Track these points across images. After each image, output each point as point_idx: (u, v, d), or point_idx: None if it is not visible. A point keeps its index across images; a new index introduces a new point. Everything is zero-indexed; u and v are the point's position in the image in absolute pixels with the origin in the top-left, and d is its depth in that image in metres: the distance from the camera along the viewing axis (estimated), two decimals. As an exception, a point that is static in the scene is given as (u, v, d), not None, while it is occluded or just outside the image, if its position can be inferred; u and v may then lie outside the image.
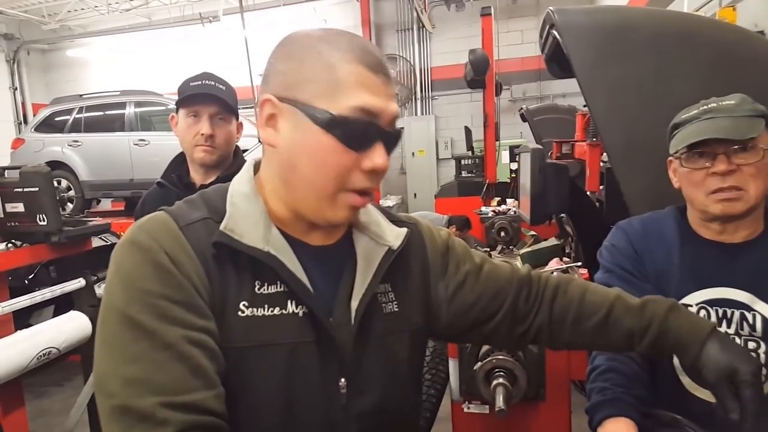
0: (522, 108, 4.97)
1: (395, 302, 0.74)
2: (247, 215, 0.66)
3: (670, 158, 1.07)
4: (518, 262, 2.29)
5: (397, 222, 0.79)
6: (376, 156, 0.63)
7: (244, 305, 0.63)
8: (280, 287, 0.65)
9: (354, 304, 0.69)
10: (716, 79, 1.18)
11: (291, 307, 0.65)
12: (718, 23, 1.41)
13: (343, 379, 0.67)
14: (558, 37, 1.29)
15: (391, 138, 0.66)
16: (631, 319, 0.79)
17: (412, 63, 9.07)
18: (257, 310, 0.64)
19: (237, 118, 1.55)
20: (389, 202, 8.08)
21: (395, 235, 0.75)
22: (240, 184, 0.70)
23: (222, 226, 0.64)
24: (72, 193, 5.92)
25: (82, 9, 9.42)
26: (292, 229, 0.69)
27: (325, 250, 0.71)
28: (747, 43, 1.23)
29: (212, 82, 1.46)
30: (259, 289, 0.65)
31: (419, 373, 0.81)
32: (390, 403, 0.71)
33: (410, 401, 0.78)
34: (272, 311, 0.64)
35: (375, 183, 0.66)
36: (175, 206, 0.68)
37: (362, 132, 0.63)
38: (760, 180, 0.96)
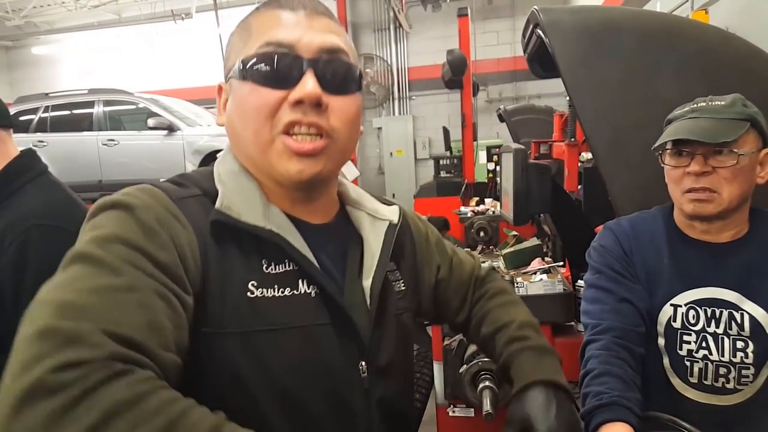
0: (500, 108, 5.00)
1: (401, 281, 0.74)
2: (240, 192, 0.61)
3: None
4: (501, 263, 2.29)
5: (384, 201, 0.78)
6: (299, 87, 0.58)
7: (253, 285, 0.58)
8: (290, 266, 0.60)
9: (366, 283, 0.65)
10: (699, 79, 1.19)
11: (303, 287, 0.60)
12: (699, 24, 1.43)
13: (363, 363, 0.63)
14: (543, 36, 1.28)
15: (326, 67, 0.60)
16: (499, 347, 0.78)
17: (389, 63, 9.06)
18: (267, 291, 0.58)
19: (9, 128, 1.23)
20: (368, 202, 8.05)
21: (390, 211, 0.73)
22: (224, 163, 0.65)
23: (217, 205, 0.58)
24: (37, 195, 5.68)
25: (48, 5, 9.10)
26: (288, 208, 0.64)
27: (324, 228, 0.68)
28: (728, 44, 1.24)
29: None
30: (267, 269, 0.59)
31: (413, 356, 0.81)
32: (405, 386, 0.71)
33: (413, 385, 0.78)
34: (283, 292, 0.59)
35: (314, 116, 0.59)
36: (160, 183, 0.61)
37: (278, 66, 0.58)
38: (736, 184, 0.96)
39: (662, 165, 1.04)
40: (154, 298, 0.49)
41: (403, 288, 0.73)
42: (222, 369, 0.55)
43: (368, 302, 0.65)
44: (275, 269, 0.60)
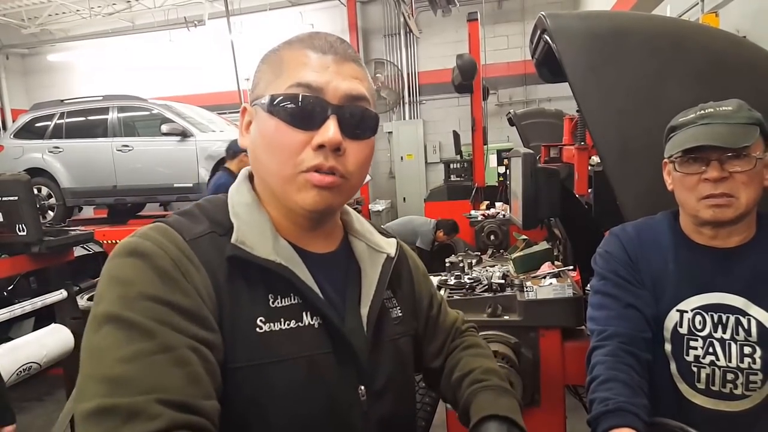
0: (510, 112, 4.99)
1: (398, 307, 0.78)
2: (253, 226, 0.65)
3: (665, 161, 1.07)
4: (510, 267, 2.28)
5: (382, 233, 0.82)
6: (323, 131, 0.62)
7: (261, 321, 0.62)
8: (294, 299, 0.65)
9: (364, 310, 0.69)
10: (708, 84, 1.19)
11: (306, 319, 0.65)
12: (709, 29, 1.42)
13: (362, 386, 0.67)
14: (550, 42, 1.28)
15: (349, 114, 0.64)
16: (460, 390, 0.80)
17: (399, 68, 9.08)
18: (275, 325, 0.62)
19: None
20: (378, 206, 8.06)
21: (388, 244, 0.78)
22: (240, 194, 0.69)
23: (233, 239, 0.62)
24: (53, 200, 5.78)
25: (64, 13, 9.27)
26: (294, 238, 0.68)
27: (327, 258, 0.71)
28: (738, 49, 1.23)
29: None
30: (273, 303, 0.63)
31: (414, 378, 0.84)
32: (403, 407, 0.74)
33: (414, 405, 0.81)
34: (289, 324, 0.63)
35: (334, 161, 0.63)
36: (174, 219, 0.65)
37: (304, 108, 0.62)
38: (752, 188, 0.96)
39: (673, 172, 1.03)
40: (188, 353, 0.54)
41: (400, 314, 0.77)
42: (240, 398, 0.59)
43: (365, 329, 0.69)
44: (281, 302, 0.64)
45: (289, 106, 0.62)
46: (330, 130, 0.61)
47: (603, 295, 1.08)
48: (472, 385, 0.79)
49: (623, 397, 0.89)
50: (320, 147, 0.62)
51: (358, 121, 0.65)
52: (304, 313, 0.64)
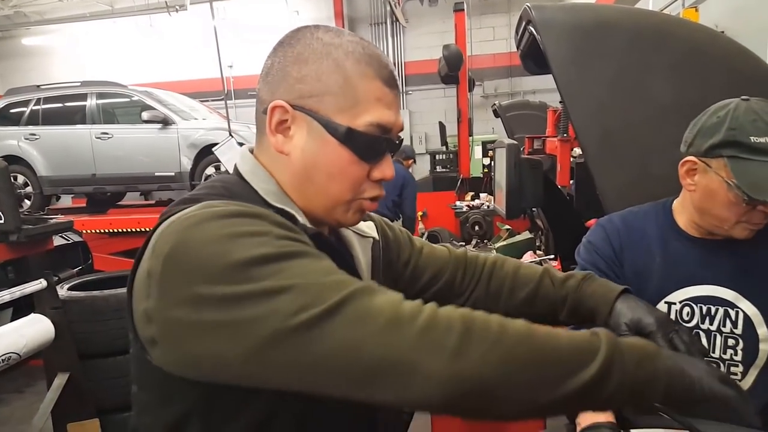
0: (495, 104, 5.02)
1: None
2: (296, 213, 0.66)
3: (698, 163, 0.95)
4: (493, 257, 2.31)
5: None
6: (386, 167, 0.67)
7: None
8: None
9: None
10: (688, 77, 1.21)
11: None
12: (689, 23, 1.45)
13: None
14: (535, 33, 1.29)
15: (396, 148, 0.70)
16: (554, 291, 0.85)
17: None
18: None
19: None
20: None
21: (369, 228, 0.81)
22: (267, 184, 0.66)
23: (302, 220, 0.64)
24: (29, 189, 5.64)
25: (39, -6, 8.99)
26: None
27: (329, 241, 0.73)
28: (716, 43, 1.26)
29: None
30: None
31: None
32: None
33: None
34: None
35: (382, 190, 0.70)
36: (226, 203, 0.59)
37: (377, 146, 0.66)
38: None
39: (718, 188, 0.91)
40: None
41: None
42: None
43: None
44: None
45: (367, 144, 0.64)
46: (390, 168, 0.67)
47: None
48: (565, 282, 0.84)
49: None
50: (379, 180, 0.67)
51: (396, 150, 0.70)
52: None
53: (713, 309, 1.01)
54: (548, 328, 0.53)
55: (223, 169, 4.57)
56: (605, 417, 0.90)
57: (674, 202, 1.08)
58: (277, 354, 0.48)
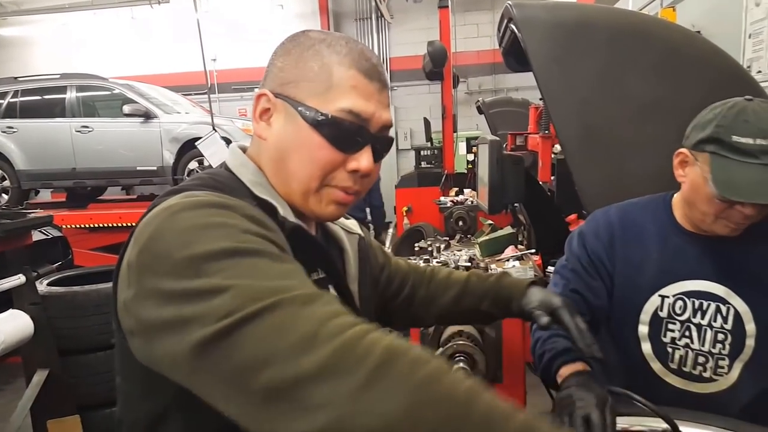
0: (479, 100, 5.05)
1: (370, 283, 0.86)
2: (282, 206, 0.67)
3: (687, 152, 0.97)
4: (477, 251, 2.35)
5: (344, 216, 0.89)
6: (362, 159, 0.66)
7: None
8: (321, 274, 0.71)
9: (354, 287, 0.77)
10: (665, 76, 1.24)
11: (332, 292, 0.72)
12: (667, 24, 1.48)
13: None
14: (516, 31, 1.31)
15: (381, 143, 0.68)
16: (479, 286, 0.96)
17: (370, 53, 9.01)
18: None
19: None
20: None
21: (354, 224, 0.86)
22: (254, 176, 0.68)
23: (283, 212, 0.65)
24: (7, 183, 5.51)
25: (15, -16, 8.73)
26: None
27: (308, 235, 0.73)
28: (691, 43, 1.29)
29: None
30: (310, 276, 0.62)
31: None
32: None
33: None
34: None
35: (359, 185, 0.68)
36: (206, 193, 0.59)
37: (350, 134, 0.65)
38: None
39: (702, 184, 0.93)
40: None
41: (372, 290, 0.87)
42: None
43: (357, 303, 0.77)
44: (312, 277, 0.66)
45: (337, 129, 0.64)
46: (367, 160, 0.66)
47: (558, 274, 1.13)
48: (484, 280, 0.96)
49: (569, 344, 0.94)
50: (354, 171, 0.66)
51: (384, 148, 0.70)
52: (329, 287, 0.71)
53: (705, 304, 1.02)
54: (491, 394, 0.45)
55: (206, 163, 4.52)
56: (583, 367, 0.93)
57: (674, 196, 1.08)
58: (202, 362, 0.45)
